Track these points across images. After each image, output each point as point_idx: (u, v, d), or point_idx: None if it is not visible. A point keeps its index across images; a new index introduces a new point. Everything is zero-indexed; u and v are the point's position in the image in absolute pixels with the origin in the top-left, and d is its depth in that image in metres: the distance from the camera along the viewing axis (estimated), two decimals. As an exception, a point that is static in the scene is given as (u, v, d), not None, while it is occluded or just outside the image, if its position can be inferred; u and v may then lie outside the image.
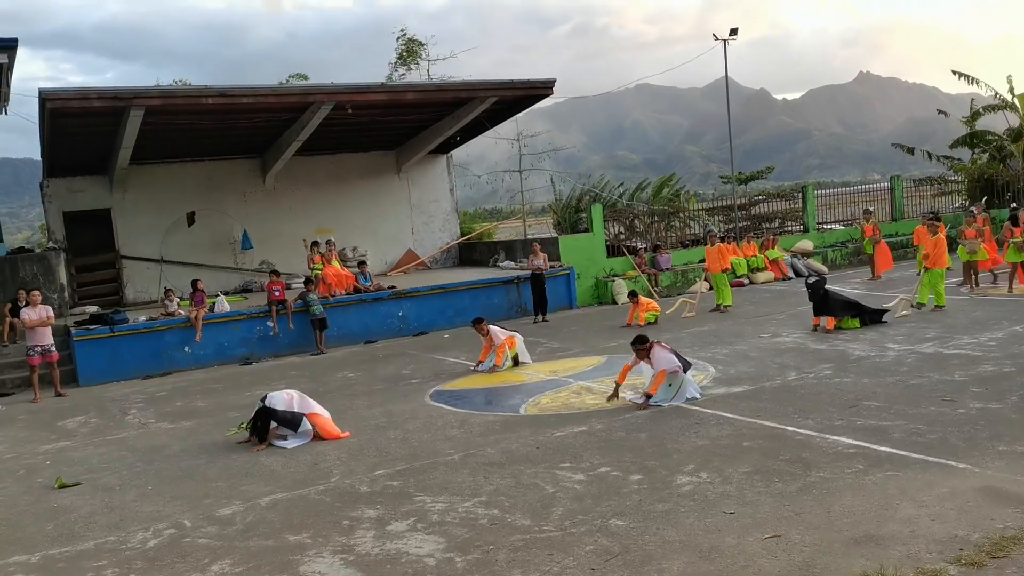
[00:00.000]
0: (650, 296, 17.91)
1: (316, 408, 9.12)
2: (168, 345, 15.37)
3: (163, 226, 20.59)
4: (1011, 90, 27.96)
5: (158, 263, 20.57)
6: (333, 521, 6.34)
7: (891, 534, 5.12)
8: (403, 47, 32.23)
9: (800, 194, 24.65)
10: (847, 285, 17.30)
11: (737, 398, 9.06)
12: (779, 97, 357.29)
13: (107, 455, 9.26)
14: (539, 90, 20.13)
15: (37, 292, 13.77)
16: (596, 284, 19.66)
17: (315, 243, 18.61)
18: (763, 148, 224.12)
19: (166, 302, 16.16)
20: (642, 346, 9.24)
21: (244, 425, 9.35)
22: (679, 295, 18.39)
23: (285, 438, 8.85)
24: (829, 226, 24.62)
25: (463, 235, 25.08)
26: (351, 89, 18.32)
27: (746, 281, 20.13)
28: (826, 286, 13.17)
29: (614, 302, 18.89)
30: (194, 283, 16.33)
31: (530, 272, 17.71)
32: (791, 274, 20.80)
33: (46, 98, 15.18)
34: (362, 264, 18.55)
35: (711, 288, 17.22)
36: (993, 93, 28.10)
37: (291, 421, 8.85)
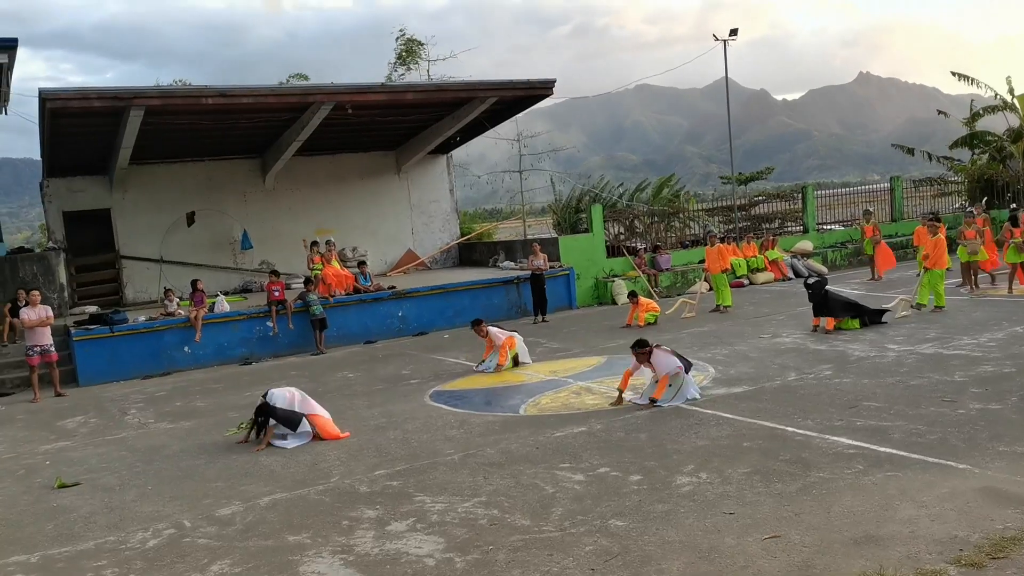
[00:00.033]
0: (650, 296, 17.91)
1: (317, 409, 9.13)
2: (168, 345, 15.37)
3: (163, 226, 20.59)
4: (1011, 91, 27.98)
5: (158, 263, 20.56)
6: (333, 521, 6.34)
7: (891, 535, 5.12)
8: (402, 47, 32.22)
9: (800, 195, 24.66)
10: (847, 286, 17.30)
11: (737, 398, 9.06)
12: (779, 97, 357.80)
13: (107, 455, 9.26)
14: (539, 90, 20.13)
15: (36, 292, 13.77)
16: (596, 284, 19.66)
17: (315, 243, 18.61)
18: (763, 149, 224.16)
19: (166, 302, 16.16)
20: (642, 350, 9.22)
21: (243, 425, 9.37)
22: (679, 295, 18.39)
23: (284, 437, 8.85)
24: (829, 227, 24.62)
25: (463, 235, 25.07)
26: (351, 89, 18.33)
27: (746, 282, 20.13)
28: (826, 287, 13.18)
29: (614, 302, 18.89)
30: (194, 283, 16.33)
31: (530, 272, 17.71)
32: (791, 275, 20.80)
33: (46, 98, 15.18)
34: (362, 264, 18.55)
35: (711, 289, 17.23)
36: (993, 94, 28.12)
37: (290, 420, 8.85)
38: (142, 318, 15.84)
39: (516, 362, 12.31)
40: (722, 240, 17.88)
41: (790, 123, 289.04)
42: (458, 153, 25.90)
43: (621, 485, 6.53)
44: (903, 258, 20.93)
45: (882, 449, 6.81)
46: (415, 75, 31.56)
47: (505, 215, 36.21)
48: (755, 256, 20.88)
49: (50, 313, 13.60)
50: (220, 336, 15.82)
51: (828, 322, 12.69)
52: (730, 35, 23.38)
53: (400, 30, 32.49)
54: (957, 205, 27.00)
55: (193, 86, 23.28)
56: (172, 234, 20.69)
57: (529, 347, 12.77)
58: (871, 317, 12.90)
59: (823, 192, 27.06)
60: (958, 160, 29.27)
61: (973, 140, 28.59)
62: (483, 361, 12.37)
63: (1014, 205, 20.64)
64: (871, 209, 22.45)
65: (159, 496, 7.47)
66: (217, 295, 17.29)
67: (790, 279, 20.51)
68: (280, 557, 5.72)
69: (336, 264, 17.93)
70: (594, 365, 11.99)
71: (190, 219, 20.57)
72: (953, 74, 29.01)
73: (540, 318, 17.29)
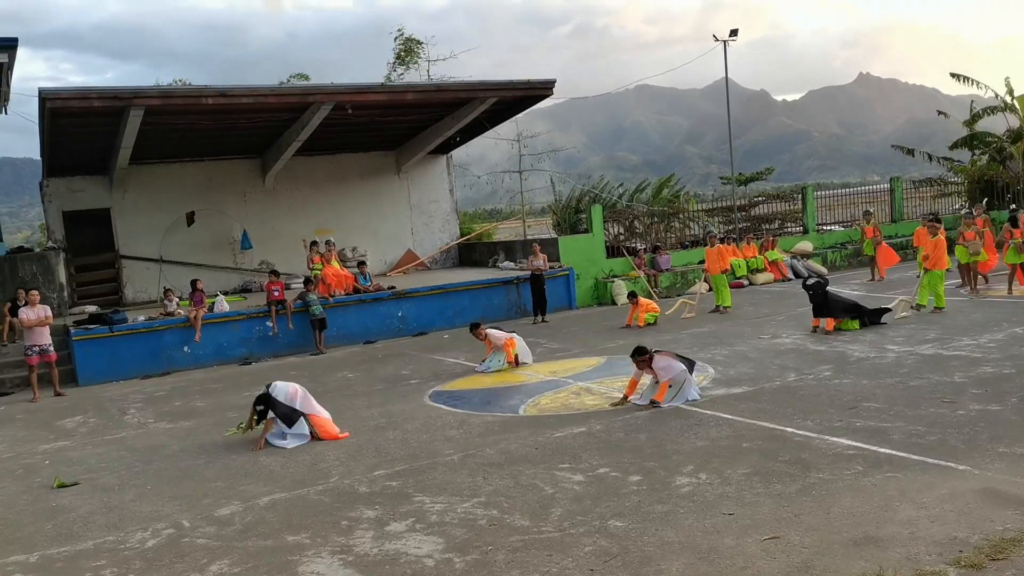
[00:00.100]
0: (650, 297, 17.91)
1: (317, 409, 9.13)
2: (167, 345, 15.36)
3: (163, 226, 20.60)
4: (1010, 92, 27.99)
5: (157, 263, 20.56)
6: (332, 521, 6.33)
7: (890, 536, 5.12)
8: (401, 47, 32.21)
9: (800, 195, 24.67)
10: (847, 286, 17.30)
11: (736, 399, 9.06)
12: (779, 98, 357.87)
13: (106, 455, 9.25)
14: (539, 91, 20.12)
15: (36, 292, 13.76)
16: (596, 285, 19.66)
17: (314, 243, 18.61)
18: (763, 149, 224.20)
19: (165, 302, 16.16)
20: (641, 357, 9.18)
21: (243, 425, 9.37)
22: (679, 296, 18.39)
23: (284, 437, 8.84)
24: (829, 227, 24.63)
25: (463, 235, 25.07)
26: (351, 89, 18.33)
27: (746, 282, 20.13)
28: (827, 288, 13.18)
29: (614, 303, 18.89)
30: (193, 283, 16.32)
31: (530, 273, 17.71)
32: (791, 275, 20.80)
33: (46, 98, 15.19)
34: (361, 264, 18.54)
35: (711, 289, 17.23)
36: (993, 95, 28.13)
37: (288, 416, 8.86)
38: (141, 318, 15.83)
39: (517, 362, 12.31)
40: (722, 241, 17.88)
41: (790, 123, 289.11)
42: (458, 153, 25.90)
43: (620, 486, 6.52)
44: (903, 259, 20.92)
45: (882, 450, 6.81)
46: (415, 75, 31.58)
47: (505, 215, 36.24)
48: (755, 257, 20.88)
49: (49, 313, 13.59)
50: (220, 336, 15.82)
51: (828, 323, 12.68)
52: (730, 35, 23.40)
53: (399, 30, 32.54)
54: (957, 206, 27.01)
55: (193, 86, 23.27)
56: (172, 234, 20.70)
57: (529, 347, 12.76)
58: (871, 318, 12.90)
59: (823, 193, 27.09)
60: (958, 161, 29.27)
61: (973, 141, 28.60)
62: (483, 361, 12.38)
63: (1014, 206, 20.63)
64: (871, 210, 22.47)
65: (158, 496, 7.47)
66: (217, 295, 17.29)
67: (790, 280, 20.51)
68: (279, 557, 5.72)
69: (336, 264, 17.92)
70: (594, 365, 11.98)
71: (190, 219, 20.57)
72: (953, 75, 29.03)
73: (540, 318, 17.28)
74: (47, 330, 13.51)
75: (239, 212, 21.50)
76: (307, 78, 33.51)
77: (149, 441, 9.76)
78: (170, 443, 9.53)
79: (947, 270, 14.20)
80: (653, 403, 8.95)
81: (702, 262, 18.42)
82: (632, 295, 16.20)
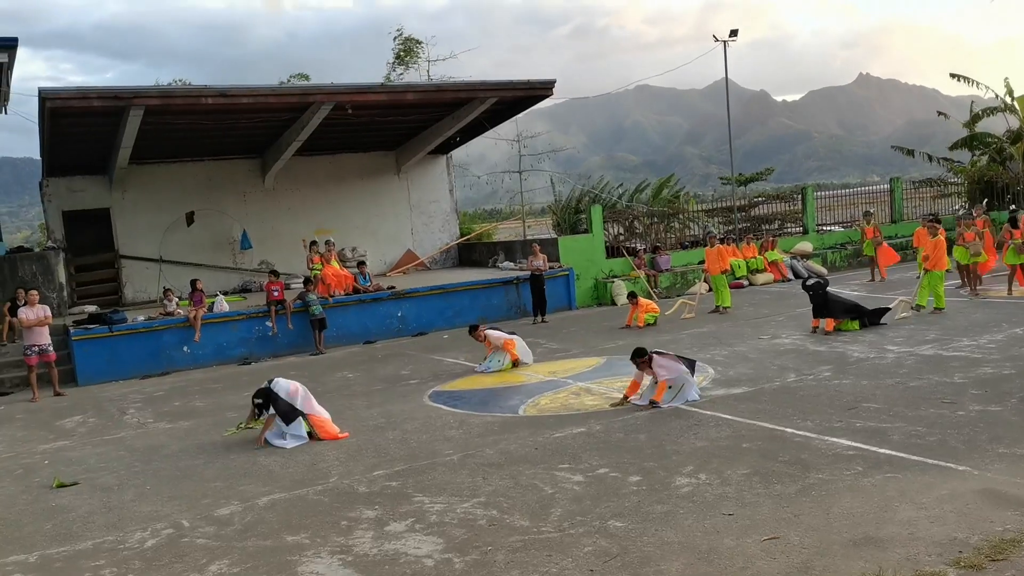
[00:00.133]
0: (649, 297, 17.91)
1: (317, 408, 9.12)
2: (167, 345, 15.36)
3: (162, 226, 20.59)
4: (1010, 92, 27.98)
5: (157, 263, 20.56)
6: (331, 521, 6.33)
7: (890, 536, 5.12)
8: (401, 47, 32.20)
9: (800, 196, 24.66)
10: (847, 287, 17.31)
11: (736, 399, 9.06)
12: (779, 98, 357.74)
13: (105, 455, 9.25)
14: (539, 91, 20.13)
15: (35, 291, 13.76)
16: (595, 285, 19.65)
17: (314, 243, 18.60)
18: (763, 149, 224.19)
19: (165, 302, 16.15)
20: (641, 359, 9.19)
21: (242, 426, 9.35)
22: (678, 296, 18.39)
23: (283, 436, 8.84)
24: (829, 228, 24.63)
25: (462, 236, 25.07)
26: (351, 89, 18.34)
27: (745, 283, 20.13)
28: (827, 288, 13.17)
29: (613, 303, 18.89)
30: (193, 283, 16.32)
31: (529, 273, 17.71)
32: (790, 276, 20.80)
33: (46, 98, 15.18)
34: (361, 264, 18.54)
35: (710, 289, 17.23)
36: (993, 95, 28.13)
37: (287, 415, 8.86)
38: (141, 318, 15.83)
39: (516, 362, 12.30)
40: (722, 241, 17.87)
41: (790, 124, 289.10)
42: (458, 153, 25.90)
43: (620, 486, 6.52)
44: (903, 259, 20.92)
45: (881, 451, 6.81)
46: (414, 75, 31.56)
47: (505, 215, 36.23)
48: (755, 257, 20.89)
49: (48, 313, 13.59)
50: (219, 336, 15.82)
51: (828, 323, 12.68)
52: (730, 36, 23.39)
53: (398, 30, 32.53)
54: (957, 207, 27.01)
55: (193, 86, 23.26)
56: (171, 234, 20.69)
57: (528, 348, 12.75)
58: (871, 318, 12.91)
59: (823, 193, 27.09)
60: (958, 162, 29.26)
61: (973, 142, 28.60)
62: (483, 361, 12.38)
63: (1014, 207, 20.62)
64: (871, 211, 22.46)
65: (157, 496, 7.47)
66: (216, 295, 17.29)
67: (790, 280, 20.51)
68: (279, 557, 5.71)
69: (335, 264, 17.91)
70: (593, 366, 11.98)
71: (189, 219, 20.57)
72: (953, 76, 29.04)
73: (539, 319, 17.28)
74: (46, 330, 13.50)
75: (239, 212, 21.49)
76: (307, 78, 33.51)
77: (148, 441, 9.76)
78: (169, 443, 9.52)
79: (947, 271, 14.20)
80: (652, 403, 8.95)
81: (702, 262, 18.43)
82: (632, 295, 16.20)
